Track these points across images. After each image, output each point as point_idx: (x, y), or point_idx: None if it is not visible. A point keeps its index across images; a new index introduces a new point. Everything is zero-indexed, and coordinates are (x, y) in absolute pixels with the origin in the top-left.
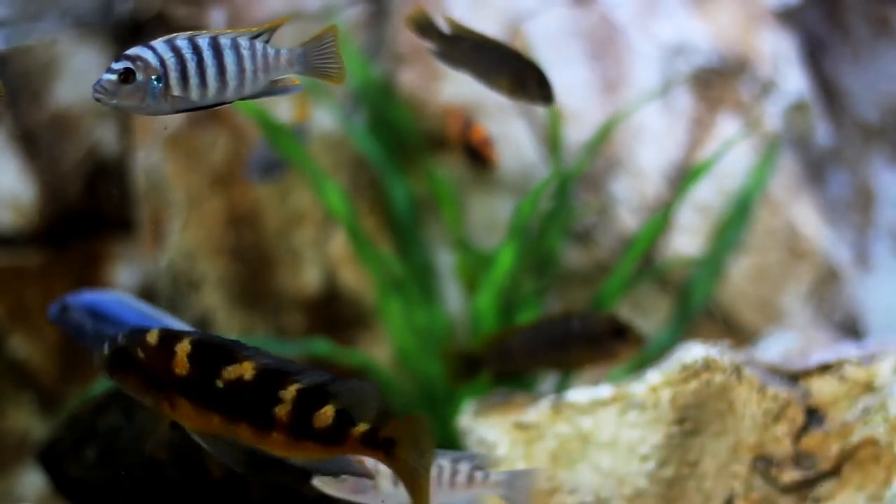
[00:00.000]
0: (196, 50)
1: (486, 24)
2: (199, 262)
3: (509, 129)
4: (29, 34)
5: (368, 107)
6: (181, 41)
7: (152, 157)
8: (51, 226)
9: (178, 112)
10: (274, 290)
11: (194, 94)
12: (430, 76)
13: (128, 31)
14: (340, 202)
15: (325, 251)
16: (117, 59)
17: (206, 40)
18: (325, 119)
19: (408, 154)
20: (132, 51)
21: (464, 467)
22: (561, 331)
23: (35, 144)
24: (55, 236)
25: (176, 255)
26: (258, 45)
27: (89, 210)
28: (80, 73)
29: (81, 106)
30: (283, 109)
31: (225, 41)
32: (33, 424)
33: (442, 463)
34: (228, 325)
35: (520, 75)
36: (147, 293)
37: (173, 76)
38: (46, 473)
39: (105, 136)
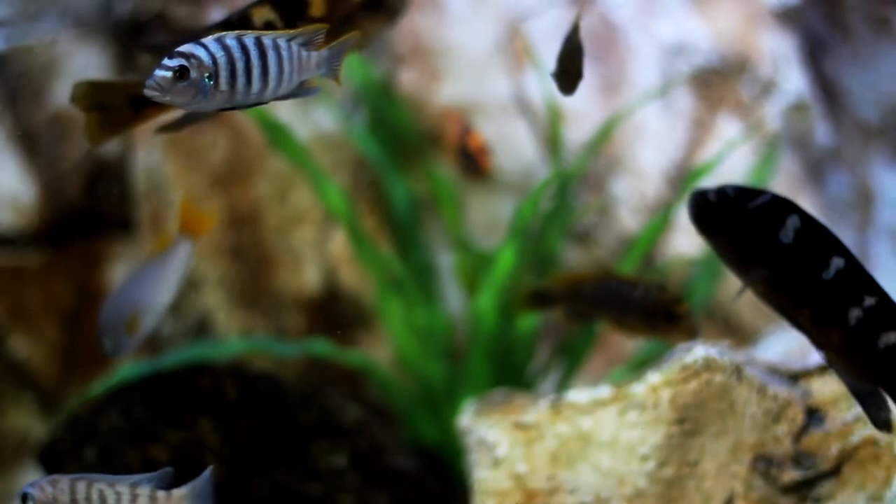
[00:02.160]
0: (244, 50)
1: (486, 23)
2: (199, 262)
3: (509, 129)
4: (29, 34)
5: (368, 107)
6: (230, 40)
7: (152, 157)
8: (51, 226)
9: (221, 110)
10: (274, 290)
11: (239, 93)
12: (429, 76)
13: (128, 31)
14: (340, 202)
15: (325, 251)
16: (170, 56)
17: (252, 40)
18: (325, 119)
19: (408, 154)
20: (185, 48)
21: (144, 490)
22: (624, 293)
23: (35, 144)
24: (55, 236)
25: None
26: (294, 46)
27: (89, 210)
28: (80, 73)
29: None
30: (284, 111)
31: (268, 42)
32: (33, 424)
33: (120, 489)
34: (228, 325)
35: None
36: None
37: (223, 75)
38: (46, 473)
39: None
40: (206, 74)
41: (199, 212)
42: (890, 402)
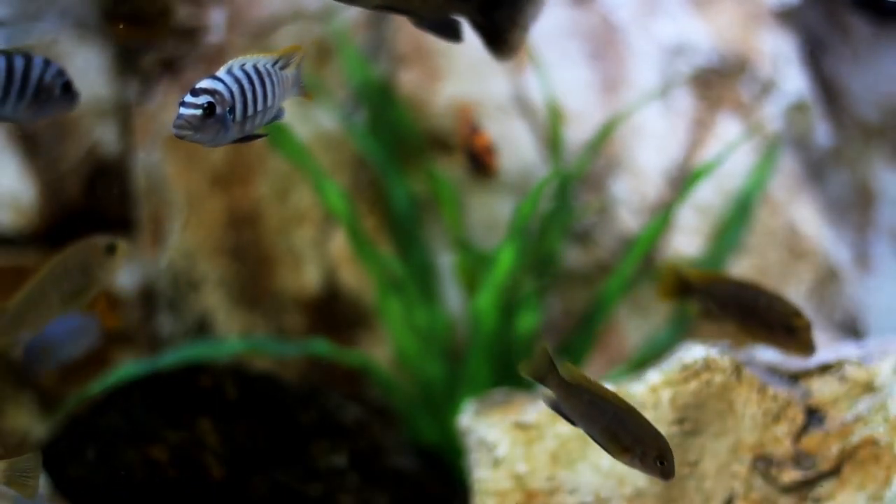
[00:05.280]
0: (250, 80)
1: None
2: (199, 262)
3: (509, 129)
4: (29, 34)
5: (368, 107)
6: (238, 71)
7: (152, 157)
8: (51, 226)
9: (232, 143)
10: (274, 290)
11: (249, 122)
12: (430, 76)
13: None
14: (340, 202)
15: (325, 251)
16: (194, 93)
17: (252, 68)
18: (325, 119)
19: (408, 154)
20: (206, 84)
21: None
22: (749, 301)
23: (35, 144)
24: (55, 236)
25: (176, 255)
26: (277, 70)
27: (89, 210)
28: (80, 73)
29: (81, 106)
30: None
31: (262, 69)
32: (33, 424)
33: None
34: (228, 325)
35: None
36: (147, 293)
37: (239, 107)
38: (46, 473)
39: (105, 136)
40: (228, 108)
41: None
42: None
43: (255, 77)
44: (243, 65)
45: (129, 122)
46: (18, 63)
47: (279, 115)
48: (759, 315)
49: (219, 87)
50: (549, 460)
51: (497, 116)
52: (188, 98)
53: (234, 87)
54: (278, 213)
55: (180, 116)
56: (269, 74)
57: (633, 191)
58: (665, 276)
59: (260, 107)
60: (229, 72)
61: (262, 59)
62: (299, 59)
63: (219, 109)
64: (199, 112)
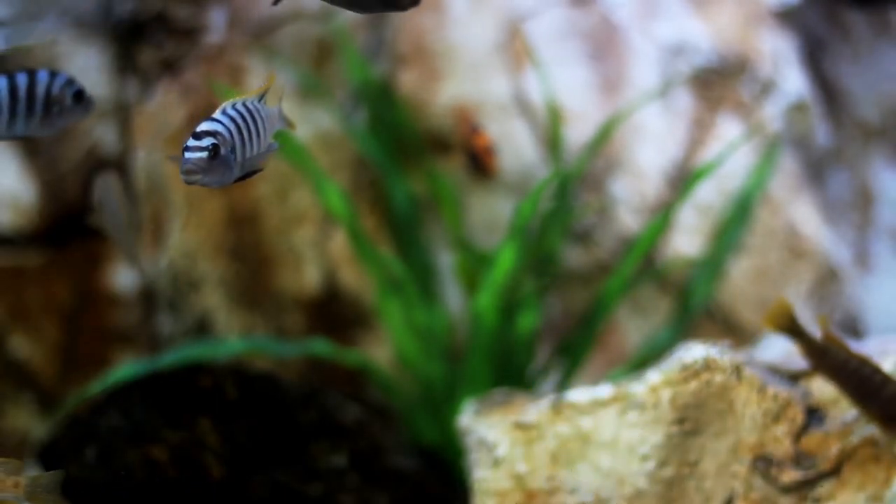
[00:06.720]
0: (243, 118)
1: (487, 24)
2: (199, 262)
3: (509, 129)
4: (29, 34)
5: (368, 107)
6: (231, 111)
7: (152, 157)
8: (51, 226)
9: (232, 182)
10: (274, 290)
11: (246, 160)
12: (430, 76)
13: (128, 31)
14: (340, 202)
15: (325, 251)
16: (197, 137)
17: (242, 107)
18: (325, 119)
19: (408, 154)
20: (208, 126)
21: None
22: (877, 386)
23: (35, 144)
24: (55, 236)
25: (176, 255)
26: (263, 106)
27: (89, 210)
28: (80, 73)
29: None
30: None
31: (251, 106)
32: (33, 424)
33: None
34: (228, 325)
35: None
36: (147, 293)
37: (238, 146)
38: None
39: (105, 136)
40: (230, 148)
41: None
42: None
43: (247, 115)
44: (234, 105)
45: (129, 122)
46: (21, 81)
47: (271, 148)
48: (883, 403)
49: (219, 128)
50: (549, 460)
51: (497, 116)
52: (192, 142)
53: (232, 127)
54: (278, 213)
55: (187, 161)
56: (258, 111)
57: (633, 191)
58: (784, 309)
59: (255, 143)
60: (224, 113)
61: (248, 98)
62: (281, 94)
63: (223, 150)
64: (205, 154)
